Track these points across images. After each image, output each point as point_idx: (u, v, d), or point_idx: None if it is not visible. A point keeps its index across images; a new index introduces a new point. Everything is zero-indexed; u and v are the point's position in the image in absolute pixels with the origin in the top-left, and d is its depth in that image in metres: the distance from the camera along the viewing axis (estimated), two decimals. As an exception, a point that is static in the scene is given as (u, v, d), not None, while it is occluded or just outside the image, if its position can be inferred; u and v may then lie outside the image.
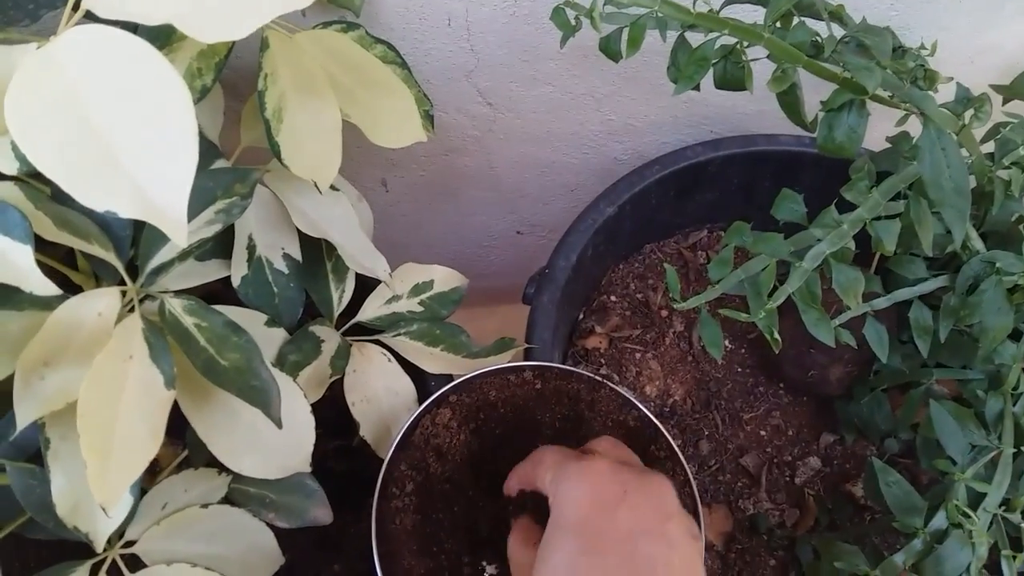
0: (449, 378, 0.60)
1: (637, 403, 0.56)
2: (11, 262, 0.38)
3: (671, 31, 0.50)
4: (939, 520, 0.53)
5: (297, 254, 0.53)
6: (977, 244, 0.56)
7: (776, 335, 0.49)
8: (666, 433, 0.55)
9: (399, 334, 0.59)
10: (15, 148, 0.38)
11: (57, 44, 0.35)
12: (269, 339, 0.51)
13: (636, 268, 0.77)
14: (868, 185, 0.50)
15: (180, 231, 0.35)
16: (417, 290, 0.61)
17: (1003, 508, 0.54)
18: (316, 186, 0.50)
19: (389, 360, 0.57)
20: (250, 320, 0.51)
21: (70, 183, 0.34)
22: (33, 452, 0.47)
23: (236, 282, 0.50)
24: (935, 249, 0.54)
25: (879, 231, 0.48)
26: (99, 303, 0.41)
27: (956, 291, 0.55)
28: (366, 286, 0.59)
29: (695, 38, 0.51)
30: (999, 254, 0.55)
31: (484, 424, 0.55)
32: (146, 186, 0.35)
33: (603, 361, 0.72)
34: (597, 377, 0.57)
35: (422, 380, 0.59)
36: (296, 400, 0.47)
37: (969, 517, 0.52)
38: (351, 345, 0.56)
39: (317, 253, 0.56)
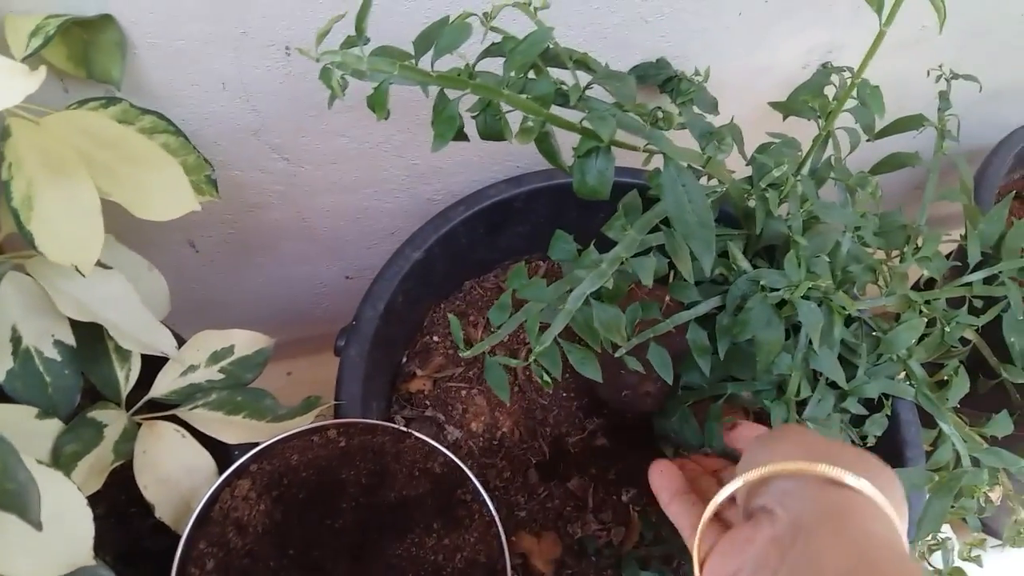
0: (253, 446, 0.59)
1: (443, 449, 0.57)
2: None
3: (432, 86, 0.51)
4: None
5: (70, 339, 0.52)
6: (744, 264, 0.60)
7: (547, 378, 0.51)
8: (472, 476, 0.56)
9: (196, 407, 0.57)
10: None
11: None
12: (42, 433, 0.49)
13: (458, 306, 0.78)
14: (625, 223, 0.52)
15: None
16: (216, 357, 0.60)
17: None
18: (78, 270, 0.48)
19: (183, 436, 0.56)
20: (19, 416, 0.49)
21: None
22: None
23: (1, 377, 0.48)
24: (697, 275, 0.57)
25: (636, 267, 0.51)
26: None
27: (727, 310, 0.58)
28: (159, 359, 0.58)
29: (454, 93, 0.52)
30: (764, 272, 0.58)
31: (287, 490, 0.55)
32: None
33: (428, 403, 0.73)
34: (402, 428, 0.58)
35: (225, 450, 0.58)
36: (69, 494, 0.46)
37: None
38: (140, 425, 0.55)
39: (96, 333, 0.54)
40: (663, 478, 0.55)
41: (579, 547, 0.69)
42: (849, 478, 0.40)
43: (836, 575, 0.36)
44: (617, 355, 0.57)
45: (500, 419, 0.74)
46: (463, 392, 0.74)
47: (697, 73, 0.73)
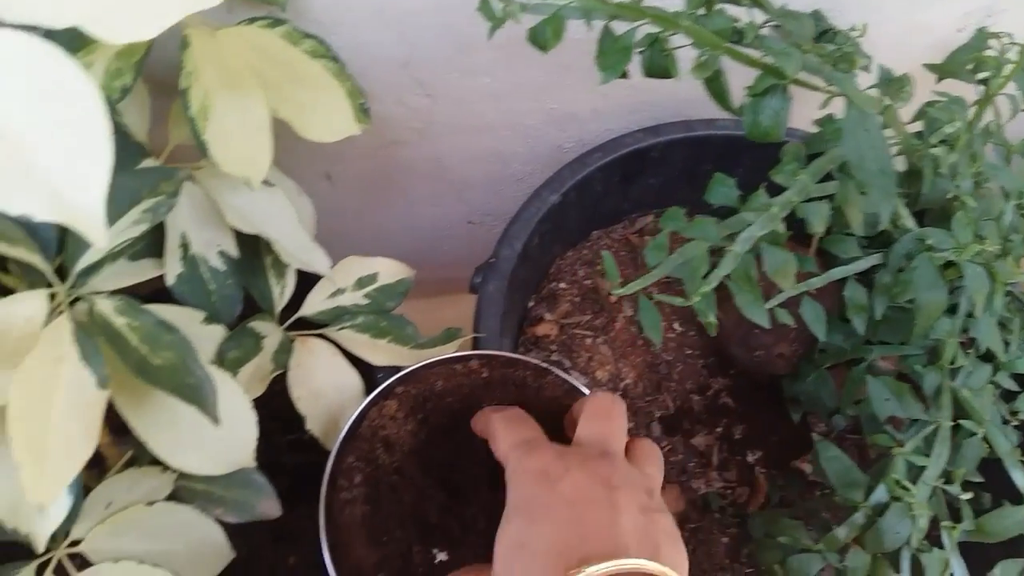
0: (396, 370, 0.60)
1: (583, 389, 0.57)
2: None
3: (597, 20, 0.51)
4: (880, 494, 0.54)
5: (233, 251, 0.53)
6: (909, 222, 0.58)
7: (712, 318, 0.50)
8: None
9: (344, 327, 0.59)
10: (-69, 152, 0.38)
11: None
12: (207, 337, 0.51)
13: (584, 255, 0.78)
14: (796, 168, 0.51)
15: (98, 233, 0.35)
16: (361, 283, 0.61)
17: (942, 480, 0.55)
18: (248, 183, 0.50)
19: (334, 354, 0.57)
20: (187, 319, 0.50)
21: (-17, 186, 0.33)
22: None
23: (170, 281, 0.50)
24: (867, 228, 0.55)
25: (808, 212, 0.49)
26: (25, 307, 0.41)
27: (889, 268, 0.56)
28: (309, 281, 0.59)
29: (620, 27, 0.51)
30: (930, 231, 0.56)
31: (431, 414, 0.55)
32: (62, 190, 0.34)
33: (554, 348, 0.73)
34: (543, 364, 0.57)
35: (369, 373, 0.59)
36: (236, 396, 0.47)
37: (908, 490, 0.53)
38: (294, 340, 0.56)
39: (256, 249, 0.56)
40: None
41: (703, 503, 0.68)
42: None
43: None
44: (768, 306, 0.55)
45: (624, 371, 0.73)
46: (588, 340, 0.73)
47: (853, 29, 0.70)
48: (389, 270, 0.62)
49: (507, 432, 0.46)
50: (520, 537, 0.40)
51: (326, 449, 0.57)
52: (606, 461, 0.42)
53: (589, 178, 0.70)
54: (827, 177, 0.53)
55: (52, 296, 0.43)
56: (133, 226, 0.44)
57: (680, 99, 0.78)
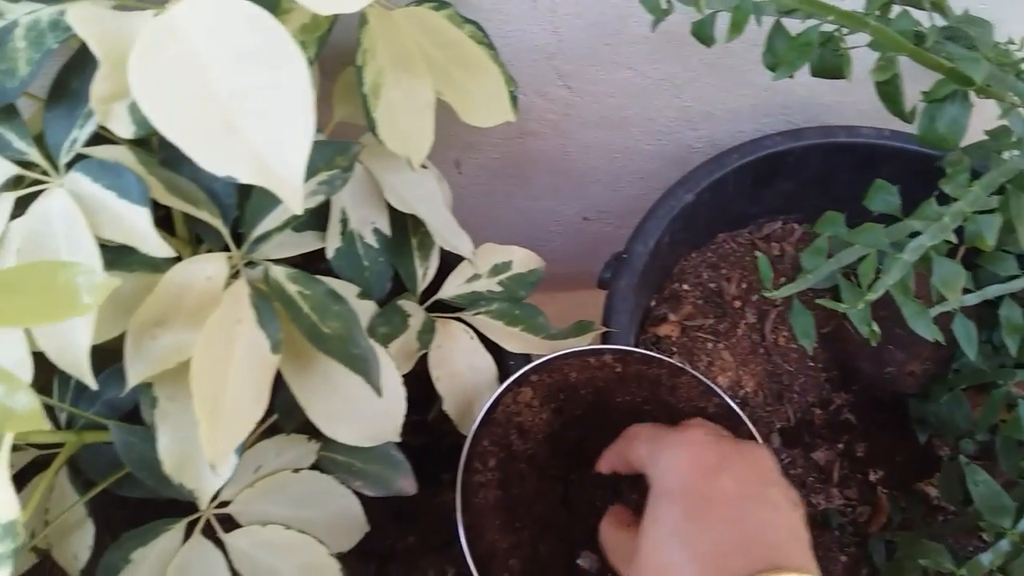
0: (526, 358, 0.61)
1: (719, 391, 0.56)
2: (128, 224, 0.39)
3: (767, 16, 0.50)
4: (1029, 522, 0.52)
5: (387, 229, 0.54)
6: (1073, 241, 0.55)
7: (873, 327, 0.48)
8: (747, 421, 0.55)
9: (479, 313, 0.59)
10: (132, 112, 0.39)
11: (179, 10, 0.35)
12: (360, 311, 0.52)
13: (709, 257, 0.77)
14: (968, 179, 0.49)
15: (296, 198, 0.36)
16: (496, 270, 0.61)
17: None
18: (409, 162, 0.50)
19: (471, 337, 0.57)
20: (345, 291, 0.51)
21: (192, 148, 0.34)
22: (124, 412, 0.48)
23: (330, 254, 0.51)
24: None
25: (981, 225, 0.47)
26: (208, 267, 0.42)
27: (1050, 289, 0.54)
28: (445, 266, 0.60)
29: (791, 24, 0.50)
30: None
31: (565, 404, 0.55)
32: (265, 153, 0.35)
33: (675, 349, 0.72)
34: (678, 364, 0.57)
35: (500, 359, 0.59)
36: (388, 371, 0.48)
37: (1059, 519, 0.51)
38: (435, 321, 0.57)
39: (403, 229, 0.56)
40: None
41: (822, 519, 0.67)
42: None
43: None
44: (913, 320, 0.53)
45: (744, 378, 0.72)
46: (709, 345, 0.72)
47: (1012, 41, 0.68)
48: (523, 259, 0.63)
49: (641, 433, 0.45)
50: (677, 528, 0.39)
51: (447, 432, 0.57)
52: (760, 451, 0.42)
53: (724, 179, 0.69)
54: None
55: (229, 259, 0.44)
56: (310, 197, 0.45)
57: (817, 104, 0.76)
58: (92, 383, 0.38)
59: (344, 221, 0.52)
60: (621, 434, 0.47)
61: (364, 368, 0.43)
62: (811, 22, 0.49)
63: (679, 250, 0.75)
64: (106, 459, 0.49)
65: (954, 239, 0.48)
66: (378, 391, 0.43)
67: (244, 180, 0.35)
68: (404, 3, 0.56)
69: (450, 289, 0.59)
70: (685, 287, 0.75)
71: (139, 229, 0.39)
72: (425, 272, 0.57)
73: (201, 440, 0.38)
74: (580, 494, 0.52)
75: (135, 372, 0.40)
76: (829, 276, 0.53)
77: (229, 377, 0.40)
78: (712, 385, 0.56)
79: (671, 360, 0.57)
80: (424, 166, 0.56)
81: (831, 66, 0.50)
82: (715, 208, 0.73)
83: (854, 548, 0.66)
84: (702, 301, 0.74)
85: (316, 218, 0.51)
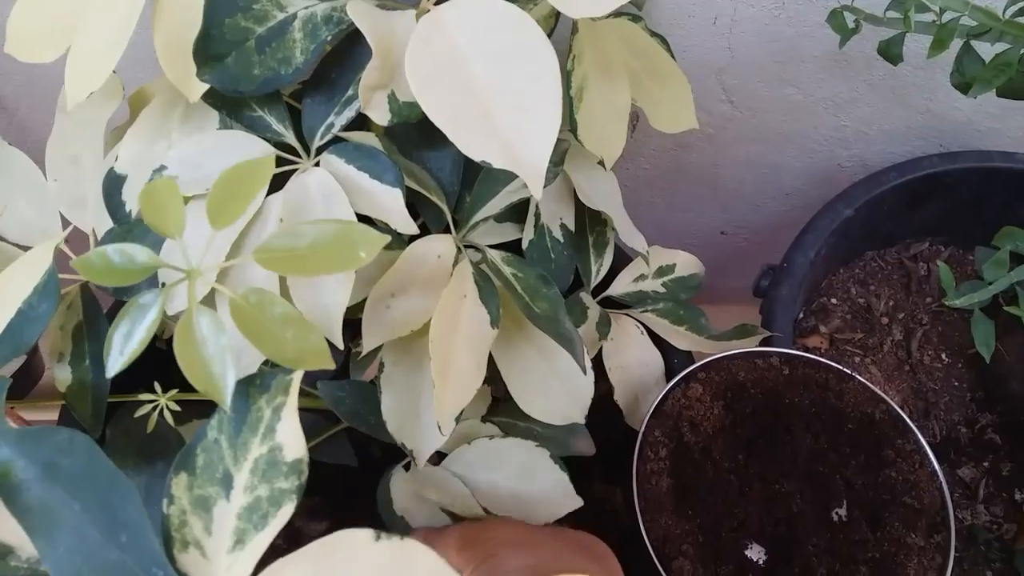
0: (689, 357, 0.63)
1: (886, 398, 0.58)
2: (379, 202, 0.43)
3: (957, 38, 0.51)
4: None
5: (572, 224, 0.57)
6: None
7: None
8: (915, 428, 0.56)
9: (647, 310, 0.62)
10: (391, 101, 0.43)
11: (445, 9, 0.39)
12: (550, 300, 0.55)
13: (857, 273, 0.78)
14: None
15: (539, 183, 0.39)
16: (661, 272, 0.64)
17: None
18: (602, 163, 0.54)
19: (641, 332, 0.60)
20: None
21: (455, 133, 0.38)
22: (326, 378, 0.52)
23: (525, 244, 0.54)
24: None
25: None
26: (439, 246, 0.46)
27: None
28: (614, 266, 0.63)
29: (980, 45, 0.52)
30: None
31: (735, 402, 0.57)
32: (516, 142, 0.39)
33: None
34: (845, 370, 0.58)
35: (665, 357, 0.61)
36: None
37: None
38: (608, 315, 0.60)
39: (582, 227, 0.60)
40: None
41: (968, 534, 0.67)
42: None
43: None
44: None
45: (891, 394, 0.72)
46: (857, 359, 0.73)
47: None
48: (686, 263, 0.65)
49: None
50: None
51: (596, 426, 0.59)
52: None
53: (881, 196, 0.71)
54: None
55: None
56: (523, 188, 0.49)
57: (972, 130, 0.77)
58: (340, 343, 0.42)
59: (537, 215, 0.56)
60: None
61: (571, 346, 0.46)
62: (1001, 45, 0.51)
63: (829, 265, 0.77)
64: (306, 427, 0.53)
65: None
66: (583, 368, 0.46)
67: (496, 165, 0.38)
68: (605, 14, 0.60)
69: (619, 287, 0.62)
70: (834, 301, 0.76)
71: (389, 207, 0.43)
72: (599, 269, 0.60)
73: (435, 400, 0.42)
74: (750, 487, 0.54)
75: (372, 336, 0.44)
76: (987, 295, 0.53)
77: (455, 346, 0.44)
78: (879, 392, 0.58)
79: (839, 366, 0.59)
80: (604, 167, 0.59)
81: (1020, 88, 0.51)
82: (868, 225, 0.74)
83: (999, 564, 0.65)
84: (850, 316, 0.75)
85: (514, 211, 0.55)
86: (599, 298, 0.62)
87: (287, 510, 0.33)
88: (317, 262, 0.38)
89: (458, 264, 0.46)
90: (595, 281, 0.61)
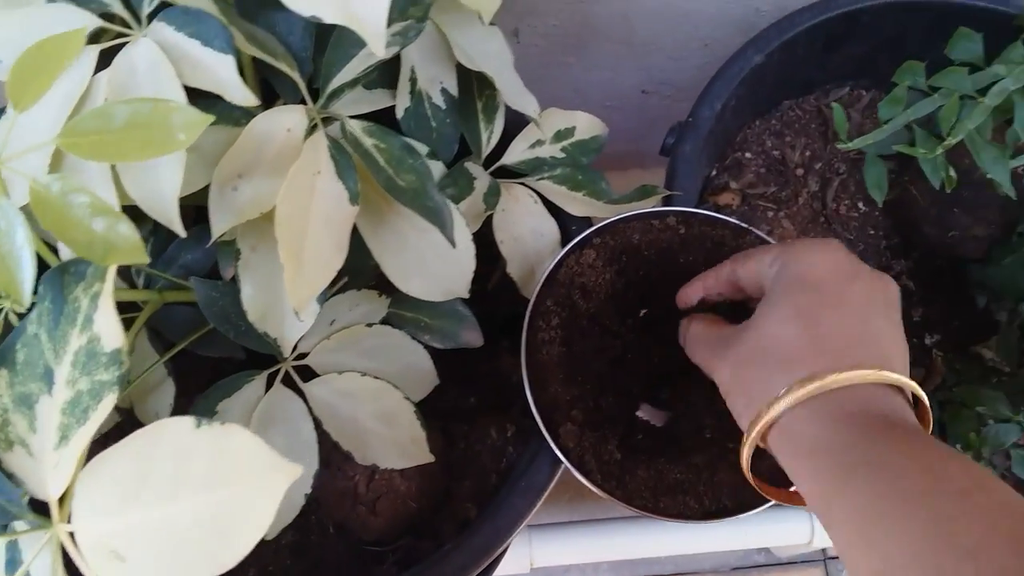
0: (588, 223, 0.61)
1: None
2: (213, 73, 0.39)
3: None
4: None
5: (454, 89, 0.54)
6: None
7: (950, 173, 0.48)
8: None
9: (543, 178, 0.59)
10: (211, -42, 0.39)
11: None
12: (432, 171, 0.52)
13: (773, 125, 0.75)
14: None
15: (379, 39, 0.36)
16: (559, 136, 0.61)
17: None
18: (480, 16, 0.50)
19: (535, 201, 0.58)
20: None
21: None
22: (203, 273, 0.50)
23: (399, 113, 0.51)
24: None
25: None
26: (288, 119, 0.43)
27: None
28: (507, 132, 0.60)
29: None
30: None
31: (628, 266, 0.56)
32: None
33: (735, 218, 0.72)
34: (743, 224, 0.57)
35: (562, 224, 0.59)
36: (460, 226, 0.49)
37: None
38: (499, 184, 0.57)
39: (469, 92, 0.56)
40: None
41: (877, 381, 0.68)
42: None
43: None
44: (990, 166, 0.52)
45: (804, 246, 0.72)
46: (770, 213, 0.72)
47: None
48: (586, 125, 0.62)
49: (762, 248, 0.46)
50: (803, 312, 0.39)
51: (507, 302, 0.58)
52: (889, 280, 0.42)
53: (795, 40, 0.67)
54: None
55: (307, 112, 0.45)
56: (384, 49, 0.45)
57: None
58: (181, 230, 0.39)
59: (413, 80, 0.52)
60: (726, 261, 0.47)
61: (439, 220, 0.44)
62: None
63: (743, 117, 0.74)
64: (185, 319, 0.51)
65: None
66: (452, 242, 0.44)
67: (328, 20, 0.35)
68: None
69: (514, 155, 0.60)
70: (748, 155, 0.74)
71: (224, 77, 0.39)
72: (490, 137, 0.57)
73: (286, 285, 0.40)
74: (640, 350, 0.54)
75: (219, 222, 0.42)
76: (898, 134, 0.51)
77: (310, 225, 0.41)
78: (775, 243, 0.56)
79: (735, 221, 0.57)
80: (492, 24, 0.55)
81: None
82: (783, 73, 0.71)
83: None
84: (764, 169, 0.73)
85: (386, 77, 0.51)
86: (493, 167, 0.59)
87: (108, 402, 0.32)
88: (131, 146, 0.35)
89: (310, 137, 0.43)
90: (487, 149, 0.58)
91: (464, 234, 0.49)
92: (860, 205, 0.74)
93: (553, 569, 0.95)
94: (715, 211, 0.73)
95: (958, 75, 0.48)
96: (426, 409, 0.54)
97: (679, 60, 0.83)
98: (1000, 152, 0.47)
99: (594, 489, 0.50)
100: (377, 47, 0.36)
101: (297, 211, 0.41)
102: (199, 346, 0.51)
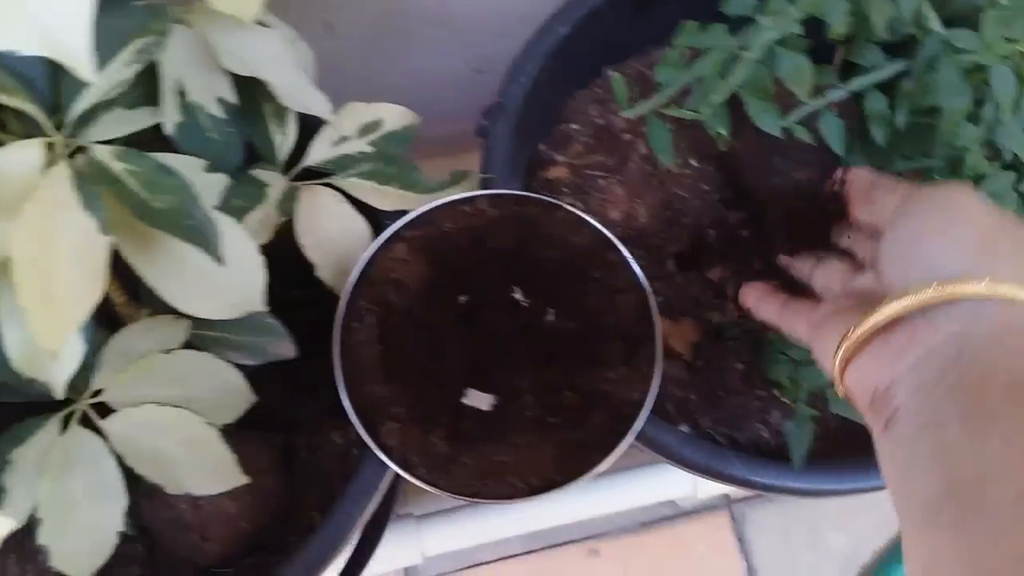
0: (405, 215, 0.60)
1: (594, 222, 0.57)
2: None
3: None
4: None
5: (232, 97, 0.52)
6: (935, 25, 0.54)
7: (723, 131, 0.48)
8: (620, 246, 0.56)
9: (349, 175, 0.58)
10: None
11: None
12: (212, 185, 0.51)
13: (596, 92, 0.75)
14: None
15: (85, 66, 0.35)
16: (366, 130, 0.60)
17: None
18: (237, 20, 0.48)
19: (340, 201, 0.56)
20: (190, 167, 0.50)
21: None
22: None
23: (169, 129, 0.49)
24: (891, 33, 0.52)
25: (826, 11, 0.46)
26: (21, 155, 0.41)
27: (912, 75, 0.53)
28: (312, 131, 0.58)
29: None
30: (956, 33, 0.53)
31: (441, 255, 0.55)
32: (49, 24, 0.34)
33: (566, 191, 0.72)
34: (552, 200, 0.57)
35: (376, 220, 0.58)
36: (241, 241, 0.48)
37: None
38: (298, 188, 0.56)
39: (254, 95, 0.54)
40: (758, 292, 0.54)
41: (717, 332, 0.69)
42: None
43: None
44: (784, 124, 0.53)
45: (638, 209, 0.72)
46: (602, 181, 0.72)
47: None
48: (394, 116, 0.61)
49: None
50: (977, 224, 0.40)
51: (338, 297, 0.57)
52: None
53: (600, 6, 0.67)
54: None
55: (50, 146, 0.43)
56: (125, 68, 0.43)
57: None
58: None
59: (182, 93, 0.50)
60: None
61: (200, 239, 0.42)
62: None
63: (563, 90, 0.74)
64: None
65: (799, 31, 0.47)
66: (218, 259, 0.42)
67: (28, 52, 0.34)
68: None
69: (316, 155, 0.58)
70: (574, 126, 0.74)
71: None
72: (284, 140, 0.56)
73: (32, 327, 0.38)
74: (462, 338, 0.53)
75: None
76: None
77: (57, 263, 0.39)
78: (583, 216, 0.57)
79: (543, 197, 0.57)
80: (266, 25, 0.53)
81: None
82: (596, 40, 0.71)
83: (749, 356, 0.68)
84: (592, 139, 0.73)
85: (152, 93, 0.49)
86: (296, 170, 0.58)
87: None
88: None
89: (49, 171, 0.41)
90: (284, 153, 0.57)
91: (246, 246, 0.48)
92: (692, 162, 0.74)
93: (458, 553, 0.95)
94: (547, 186, 0.73)
95: (718, 32, 0.48)
96: (265, 424, 0.52)
97: (505, 37, 0.82)
98: (765, 104, 0.48)
99: (419, 484, 0.50)
100: (85, 73, 0.34)
101: (39, 251, 0.39)
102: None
